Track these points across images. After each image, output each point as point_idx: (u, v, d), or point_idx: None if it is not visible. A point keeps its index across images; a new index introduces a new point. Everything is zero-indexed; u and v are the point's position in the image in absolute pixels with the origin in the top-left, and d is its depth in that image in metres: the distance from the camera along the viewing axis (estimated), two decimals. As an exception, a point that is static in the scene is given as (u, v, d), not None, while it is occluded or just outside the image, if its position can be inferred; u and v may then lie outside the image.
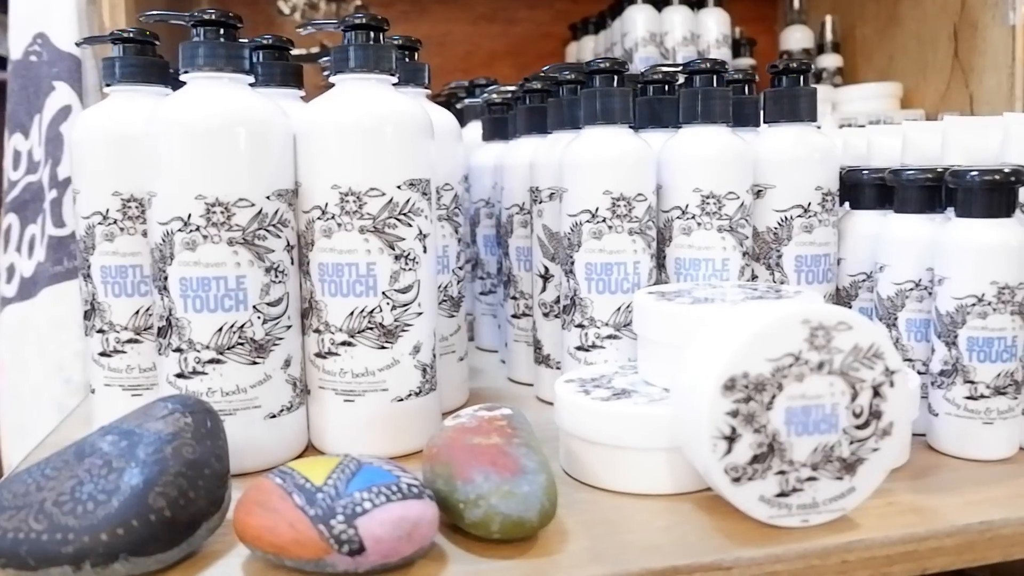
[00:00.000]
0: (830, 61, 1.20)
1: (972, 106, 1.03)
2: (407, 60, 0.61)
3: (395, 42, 0.61)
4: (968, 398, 0.49)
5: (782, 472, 0.41)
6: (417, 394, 0.52)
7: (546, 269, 0.62)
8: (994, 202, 0.49)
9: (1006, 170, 0.49)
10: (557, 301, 0.61)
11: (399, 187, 0.50)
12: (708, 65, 0.57)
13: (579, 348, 0.57)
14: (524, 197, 0.66)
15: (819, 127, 0.59)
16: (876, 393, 0.41)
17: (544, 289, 0.63)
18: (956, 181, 0.49)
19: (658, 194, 0.57)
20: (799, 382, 0.40)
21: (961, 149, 0.62)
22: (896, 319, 0.54)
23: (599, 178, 0.55)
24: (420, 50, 0.62)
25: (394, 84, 0.54)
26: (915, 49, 1.12)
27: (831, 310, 0.41)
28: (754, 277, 0.59)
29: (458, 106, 0.90)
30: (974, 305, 0.49)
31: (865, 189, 0.58)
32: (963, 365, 0.49)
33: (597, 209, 0.55)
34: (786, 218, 0.57)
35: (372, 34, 0.53)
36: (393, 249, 0.50)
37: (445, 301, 0.61)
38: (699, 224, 0.56)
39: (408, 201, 0.51)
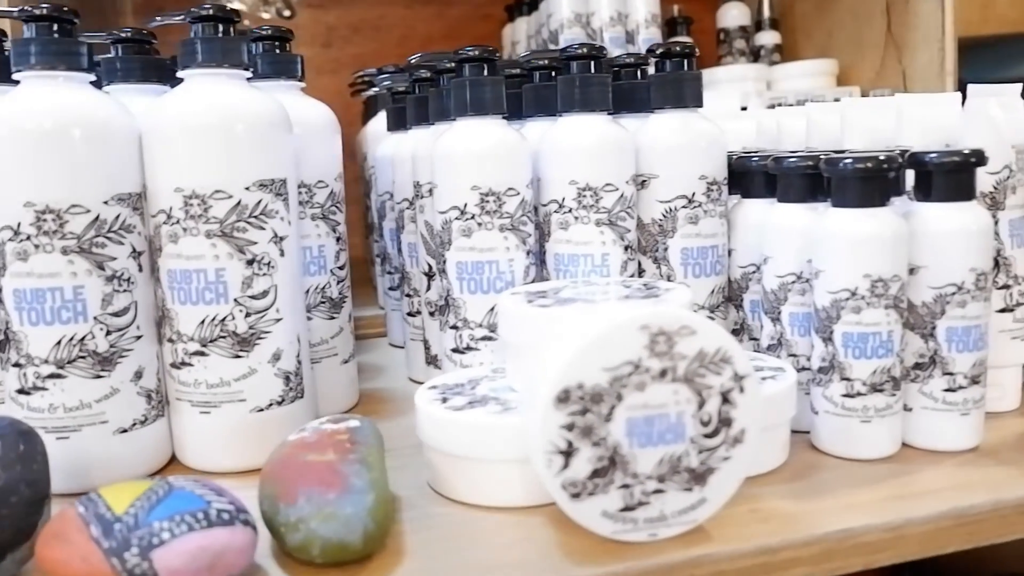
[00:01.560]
0: (768, 38, 1.17)
1: (905, 83, 1.01)
2: (278, 52, 0.58)
3: (264, 32, 0.58)
4: (845, 396, 0.47)
5: (626, 486, 0.39)
6: (280, 403, 0.50)
7: (430, 267, 0.60)
8: (867, 191, 0.46)
9: (880, 157, 0.46)
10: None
11: (248, 188, 0.48)
12: (585, 50, 0.54)
13: (455, 350, 0.55)
14: (411, 191, 0.64)
15: (701, 111, 0.57)
16: (725, 400, 0.39)
17: (429, 287, 0.60)
18: (830, 169, 0.47)
19: (537, 187, 0.55)
20: (640, 391, 0.38)
21: (860, 131, 0.60)
22: (779, 313, 0.52)
23: (467, 173, 0.52)
24: (292, 40, 0.59)
25: (251, 78, 0.51)
26: (851, 24, 1.10)
27: (673, 314, 0.38)
28: (641, 271, 0.57)
29: (366, 95, 0.87)
30: (848, 299, 0.46)
31: (753, 177, 0.56)
32: (839, 362, 0.47)
33: (466, 205, 0.52)
34: (670, 209, 0.55)
35: (221, 26, 0.50)
36: (244, 254, 0.48)
37: (324, 303, 0.58)
38: (576, 218, 0.53)
39: (259, 203, 0.48)
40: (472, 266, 0.53)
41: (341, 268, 0.60)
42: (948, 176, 0.47)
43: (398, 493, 0.46)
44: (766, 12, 1.18)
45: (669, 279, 0.56)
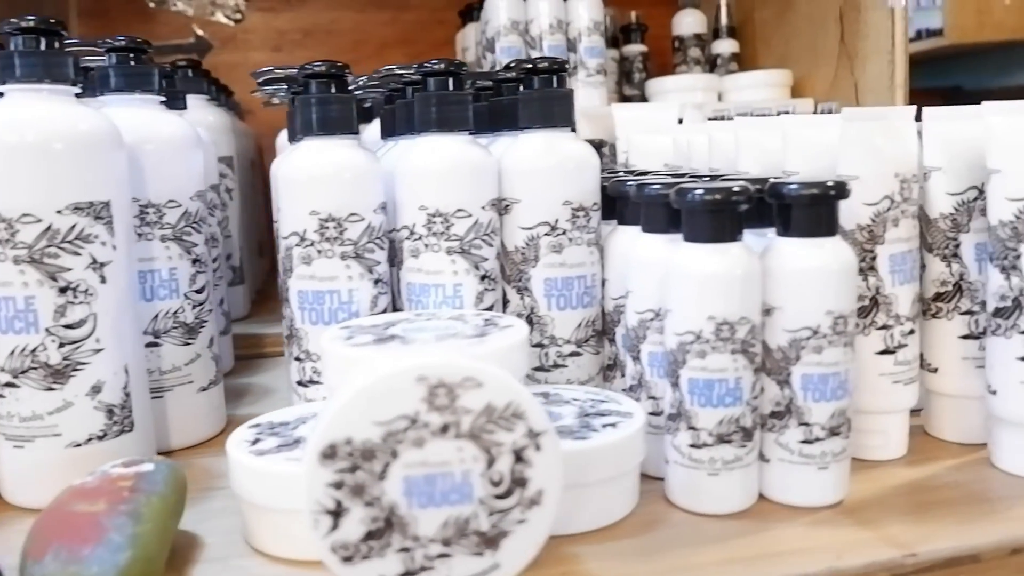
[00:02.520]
0: (724, 47, 1.13)
1: (857, 95, 0.97)
2: (132, 64, 0.55)
3: (117, 44, 0.55)
4: (692, 446, 0.44)
5: (405, 549, 0.35)
6: (101, 438, 0.47)
7: (283, 293, 0.57)
8: (716, 225, 0.42)
9: (734, 188, 0.43)
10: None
11: (60, 212, 0.45)
12: (444, 66, 0.51)
13: (299, 383, 0.51)
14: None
15: (574, 132, 0.53)
16: (519, 458, 0.36)
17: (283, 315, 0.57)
18: (679, 200, 0.43)
19: (390, 212, 0.52)
20: (418, 448, 0.35)
21: (753, 153, 0.56)
22: (639, 352, 0.48)
23: (305, 197, 0.49)
24: (148, 52, 0.56)
25: (105, 92, 0.48)
26: (807, 33, 1.05)
27: (455, 365, 0.35)
28: (507, 302, 0.53)
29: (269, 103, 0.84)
30: (692, 342, 0.43)
31: (626, 203, 0.52)
32: (686, 409, 0.44)
33: (305, 231, 0.49)
34: (532, 237, 0.51)
35: (43, 39, 0.47)
36: (56, 280, 0.45)
37: (176, 328, 0.55)
38: (427, 246, 0.50)
39: (74, 227, 0.45)
40: (313, 295, 0.50)
41: (198, 292, 0.57)
42: (806, 209, 0.43)
43: (207, 540, 0.43)
44: (723, 20, 1.14)
45: (532, 311, 0.52)
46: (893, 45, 0.90)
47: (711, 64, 1.14)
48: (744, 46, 1.17)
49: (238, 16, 1.20)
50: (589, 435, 0.43)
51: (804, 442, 0.44)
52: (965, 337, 0.51)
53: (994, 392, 0.48)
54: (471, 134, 0.51)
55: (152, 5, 1.17)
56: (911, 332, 0.49)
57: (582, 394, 0.49)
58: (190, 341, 0.56)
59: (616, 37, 1.17)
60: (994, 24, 1.90)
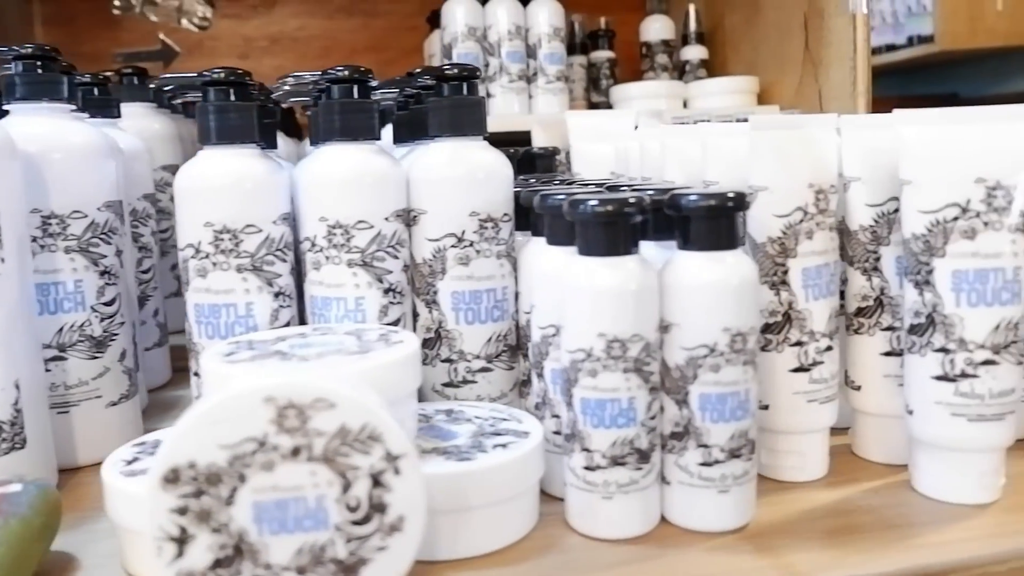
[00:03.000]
0: (693, 53, 1.11)
1: (821, 102, 0.95)
2: (40, 72, 0.54)
3: (24, 51, 0.53)
4: (586, 468, 0.42)
5: (256, 578, 0.34)
6: (-13, 457, 0.46)
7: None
8: (608, 238, 0.41)
9: (629, 200, 0.41)
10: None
11: (-60, 223, 0.44)
12: (348, 74, 0.49)
13: (198, 399, 0.50)
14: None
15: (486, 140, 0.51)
16: (376, 483, 0.34)
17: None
18: (572, 212, 0.42)
19: (295, 223, 0.50)
20: (268, 472, 0.33)
21: (677, 162, 0.55)
22: (543, 369, 0.46)
23: (199, 208, 0.48)
24: (59, 59, 0.55)
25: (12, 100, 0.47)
26: (774, 40, 1.04)
27: (305, 385, 0.33)
28: (416, 316, 0.52)
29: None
30: (583, 360, 0.41)
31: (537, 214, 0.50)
32: (579, 430, 0.42)
33: (200, 243, 0.48)
34: (439, 249, 0.50)
35: (-70, 45, 0.46)
36: (-64, 294, 0.44)
37: (83, 342, 0.54)
38: (327, 258, 0.49)
39: (-46, 239, 0.44)
40: (208, 309, 0.48)
41: (108, 304, 0.55)
42: (704, 222, 0.41)
43: (84, 563, 0.42)
44: (692, 26, 1.12)
45: (441, 325, 0.51)
46: (855, 52, 0.88)
47: (680, 71, 1.13)
48: (714, 52, 1.15)
49: (205, 23, 1.19)
50: (476, 456, 0.41)
51: (703, 464, 0.42)
52: (887, 354, 0.49)
53: (911, 412, 0.46)
54: (404, 143, 0.50)
55: (117, 12, 1.17)
56: (828, 349, 0.47)
57: (487, 412, 0.48)
58: (98, 355, 0.55)
59: (585, 43, 1.15)
60: (986, 30, 1.87)
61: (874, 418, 0.50)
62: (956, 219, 0.43)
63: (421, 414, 0.48)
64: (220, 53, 1.19)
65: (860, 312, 0.50)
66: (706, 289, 0.41)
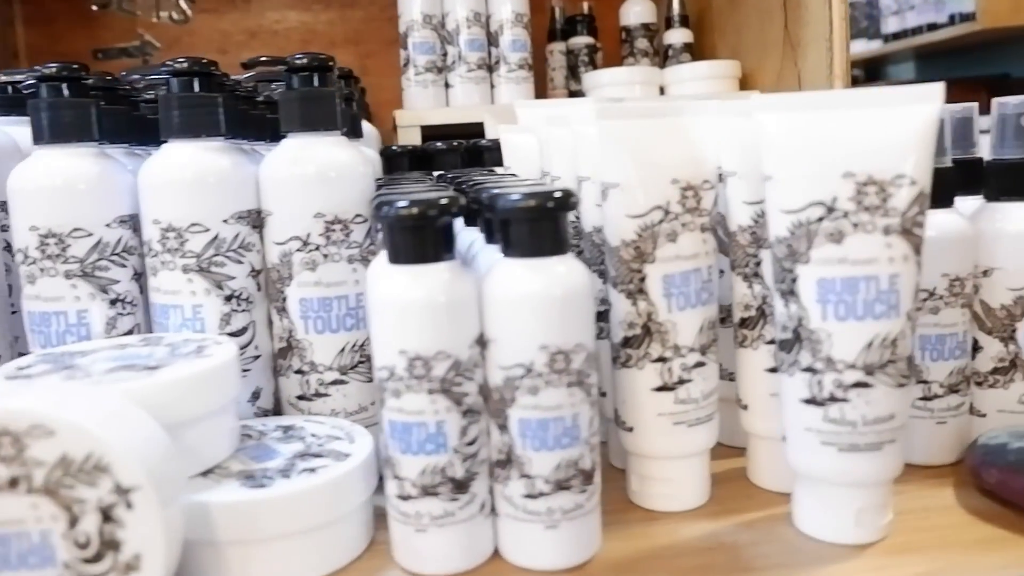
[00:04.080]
0: (677, 37, 1.05)
1: (801, 85, 0.88)
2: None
3: None
4: (399, 497, 0.38)
5: (-25, 621, 0.31)
6: None
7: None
8: (413, 243, 0.37)
9: (440, 201, 0.37)
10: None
11: None
12: (187, 66, 0.46)
13: None
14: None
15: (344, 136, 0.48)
16: (107, 517, 0.31)
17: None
18: (376, 215, 0.37)
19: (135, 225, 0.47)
20: (-19, 505, 0.30)
21: (586, 151, 0.50)
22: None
23: (25, 211, 0.45)
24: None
25: None
26: (756, 22, 0.97)
27: (20, 410, 0.30)
28: (270, 324, 0.48)
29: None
30: (388, 380, 0.37)
31: (395, 214, 0.46)
32: (388, 456, 0.38)
33: (27, 248, 0.45)
34: (286, 253, 0.46)
35: None
36: None
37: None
38: (163, 263, 0.45)
39: None
40: (39, 317, 0.46)
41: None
42: (524, 225, 0.37)
43: None
44: (676, 9, 1.06)
45: (291, 334, 0.47)
46: (831, 32, 0.81)
47: (664, 56, 1.07)
48: (701, 36, 1.09)
49: (183, 18, 1.18)
50: (274, 483, 0.38)
51: (528, 496, 0.37)
52: (772, 370, 0.43)
53: (784, 439, 0.40)
54: (272, 140, 0.47)
55: (95, 8, 1.16)
56: (698, 365, 0.42)
57: (327, 429, 0.44)
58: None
59: (565, 29, 1.10)
60: (1031, 6, 1.75)
61: (763, 441, 0.45)
62: (821, 220, 0.37)
63: (255, 430, 0.44)
64: (198, 48, 1.18)
65: (744, 323, 0.44)
66: (522, 301, 0.36)
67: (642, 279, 0.41)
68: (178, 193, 0.45)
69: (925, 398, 0.46)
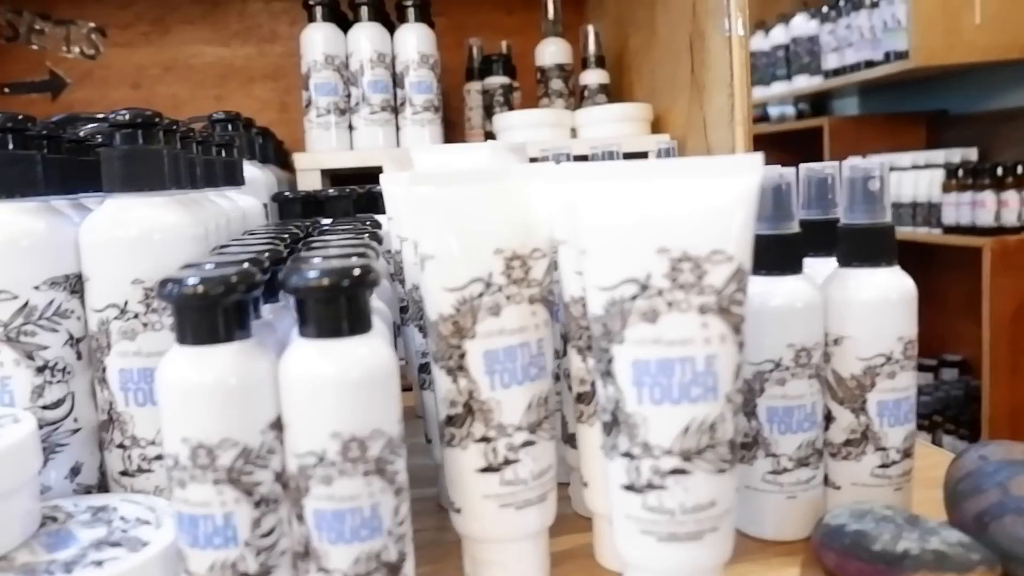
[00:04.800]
0: (593, 78, 1.04)
1: (706, 130, 0.87)
2: None
3: None
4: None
5: None
6: None
7: None
8: (198, 323, 0.34)
9: (230, 277, 0.34)
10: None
11: None
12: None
13: None
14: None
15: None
16: None
17: None
18: (159, 292, 0.35)
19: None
20: None
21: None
22: (191, 464, 0.40)
23: None
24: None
25: None
26: (668, 63, 0.96)
27: None
28: (95, 394, 0.45)
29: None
30: (173, 468, 0.34)
31: (223, 280, 0.44)
32: (179, 549, 0.35)
33: None
34: (103, 320, 0.44)
35: None
36: None
37: None
38: (-31, 333, 0.43)
39: None
40: None
41: None
42: (318, 304, 0.34)
43: None
44: (591, 49, 1.05)
45: (111, 407, 0.44)
46: (732, 77, 0.80)
47: (580, 96, 1.06)
48: (619, 76, 1.08)
49: (94, 52, 1.15)
50: (50, 581, 0.35)
51: (325, 593, 0.35)
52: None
53: (611, 522, 0.38)
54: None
55: (3, 41, 1.13)
56: (526, 444, 0.40)
57: (140, 511, 0.41)
58: None
59: (483, 68, 1.09)
60: (964, 44, 1.77)
61: (604, 519, 0.43)
62: (635, 298, 0.35)
63: (64, 512, 0.42)
64: (111, 83, 1.15)
65: (580, 398, 0.42)
66: (311, 385, 0.34)
67: (462, 355, 0.39)
68: (-11, 258, 0.42)
69: (774, 472, 0.45)
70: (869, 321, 0.44)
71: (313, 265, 0.35)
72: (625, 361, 0.36)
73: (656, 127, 0.97)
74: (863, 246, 0.45)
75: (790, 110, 2.72)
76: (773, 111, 2.76)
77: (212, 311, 0.34)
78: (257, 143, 0.84)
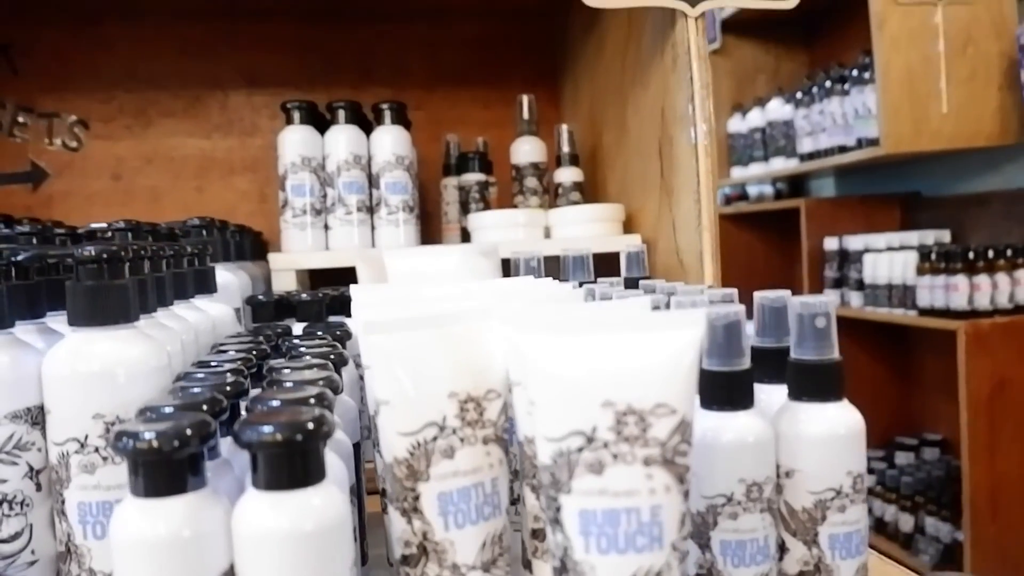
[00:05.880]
0: (566, 175, 1.06)
1: (675, 233, 0.89)
2: None
3: None
4: None
5: None
6: None
7: None
8: (150, 474, 0.35)
9: (180, 431, 0.35)
10: None
11: None
12: (-30, 258, 0.45)
13: None
14: None
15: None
16: None
17: None
18: (113, 444, 0.36)
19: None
20: None
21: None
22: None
23: None
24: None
25: None
26: (638, 164, 0.99)
27: None
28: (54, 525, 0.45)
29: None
30: (121, 622, 0.35)
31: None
32: None
33: None
34: (63, 454, 0.44)
35: None
36: None
37: None
38: (-74, 468, 0.43)
39: None
40: None
41: None
42: (267, 457, 0.35)
43: None
44: (565, 147, 1.08)
45: (70, 539, 0.44)
46: (699, 183, 0.82)
47: (554, 193, 1.08)
48: (592, 172, 1.10)
49: (76, 144, 1.17)
50: None
51: None
52: (562, 585, 0.42)
53: (560, 669, 0.38)
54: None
55: (-16, 133, 1.15)
56: (479, 584, 0.40)
57: (91, 651, 0.41)
58: None
59: (459, 164, 1.12)
60: (931, 132, 1.82)
61: (558, 657, 0.43)
62: (581, 450, 0.36)
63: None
64: (92, 174, 1.17)
65: (535, 534, 0.43)
66: (264, 538, 0.34)
67: (416, 497, 0.40)
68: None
69: (729, 607, 0.45)
70: (819, 456, 0.45)
71: (266, 416, 0.36)
72: (572, 510, 0.36)
73: (628, 226, 0.99)
74: (812, 382, 0.46)
75: (768, 189, 2.77)
76: (752, 190, 2.81)
77: (166, 465, 0.35)
78: (232, 243, 0.85)
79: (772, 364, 0.49)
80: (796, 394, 0.46)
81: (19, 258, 0.47)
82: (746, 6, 0.86)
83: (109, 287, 0.45)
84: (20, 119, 1.15)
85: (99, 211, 1.16)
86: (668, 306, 0.46)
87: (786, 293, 0.51)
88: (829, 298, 0.46)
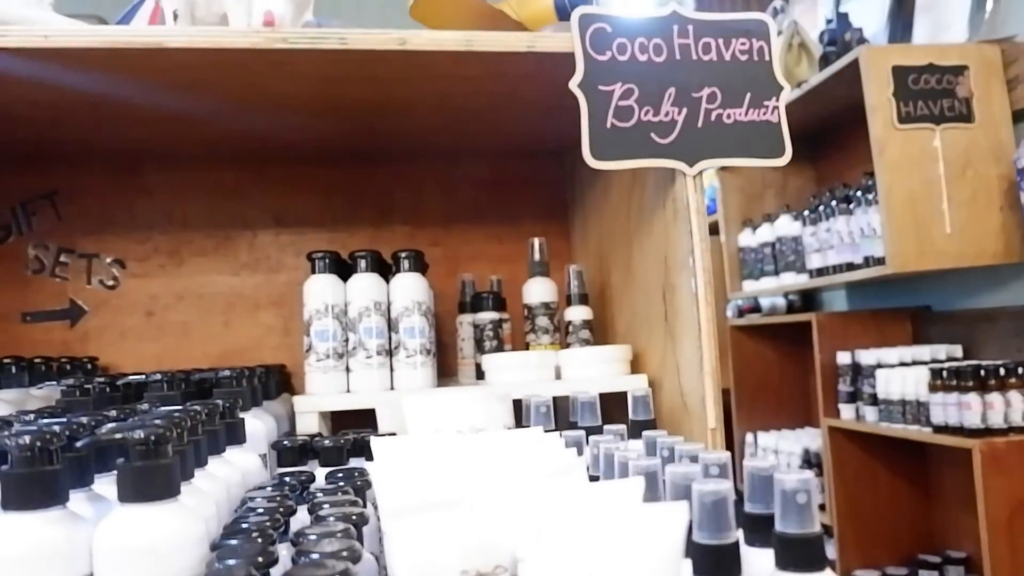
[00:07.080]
0: (576, 314, 1.11)
1: (679, 375, 0.93)
2: None
3: None
4: None
5: None
6: None
7: None
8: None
9: None
10: None
11: None
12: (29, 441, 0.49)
13: None
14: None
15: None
16: None
17: None
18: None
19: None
20: None
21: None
22: None
23: None
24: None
25: None
26: (644, 306, 1.04)
27: None
28: None
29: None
30: None
31: None
32: None
33: None
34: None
35: None
36: None
37: None
38: (-19, 638, 0.47)
39: None
40: None
41: None
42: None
43: None
44: (575, 288, 1.13)
45: None
46: (700, 331, 0.87)
47: (565, 331, 1.13)
48: (601, 310, 1.15)
49: (113, 283, 1.24)
50: None
51: None
52: None
53: None
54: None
55: (29, 273, 1.23)
56: None
57: None
58: None
59: (473, 303, 1.17)
60: (936, 252, 1.87)
61: None
62: (578, 634, 0.40)
63: None
64: (126, 311, 1.24)
65: None
66: None
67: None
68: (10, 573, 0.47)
69: None
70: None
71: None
72: None
73: (635, 365, 1.03)
74: (794, 554, 0.49)
75: (781, 301, 2.82)
76: (764, 302, 2.86)
77: None
78: (259, 389, 0.90)
79: (762, 531, 0.53)
80: (783, 565, 0.50)
81: (79, 444, 0.52)
82: (741, 165, 0.92)
83: (155, 467, 0.50)
84: (62, 259, 1.23)
85: (131, 346, 1.23)
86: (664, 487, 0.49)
87: (774, 464, 0.55)
88: (809, 475, 0.50)
